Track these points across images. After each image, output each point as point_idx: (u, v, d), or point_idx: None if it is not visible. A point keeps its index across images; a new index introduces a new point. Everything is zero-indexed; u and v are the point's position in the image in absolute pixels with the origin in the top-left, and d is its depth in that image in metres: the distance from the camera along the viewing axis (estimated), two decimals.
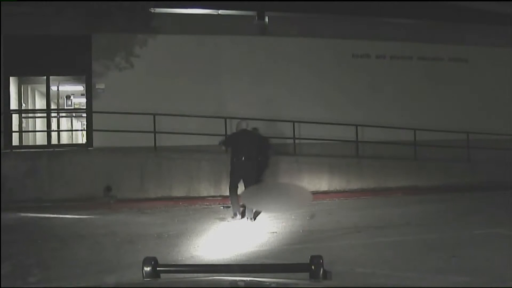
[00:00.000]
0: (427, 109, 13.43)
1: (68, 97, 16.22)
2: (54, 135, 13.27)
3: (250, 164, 8.66)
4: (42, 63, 11.98)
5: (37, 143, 13.40)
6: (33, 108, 14.50)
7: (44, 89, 13.34)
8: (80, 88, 13.96)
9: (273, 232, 7.44)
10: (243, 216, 8.54)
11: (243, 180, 8.58)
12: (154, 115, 11.48)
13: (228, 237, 7.35)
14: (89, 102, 12.38)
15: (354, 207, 9.90)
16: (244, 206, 8.47)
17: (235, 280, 1.74)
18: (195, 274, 1.97)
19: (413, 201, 10.40)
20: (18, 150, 11.56)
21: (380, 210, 9.53)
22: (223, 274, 1.86)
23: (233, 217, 8.67)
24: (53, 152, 11.56)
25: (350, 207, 9.93)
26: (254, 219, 8.37)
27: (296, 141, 12.13)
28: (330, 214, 9.08)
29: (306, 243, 6.62)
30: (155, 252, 5.72)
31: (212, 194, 11.14)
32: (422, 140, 12.68)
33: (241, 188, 8.54)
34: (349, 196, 10.40)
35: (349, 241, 6.79)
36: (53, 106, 13.86)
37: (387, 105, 13.18)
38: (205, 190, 11.21)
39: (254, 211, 8.29)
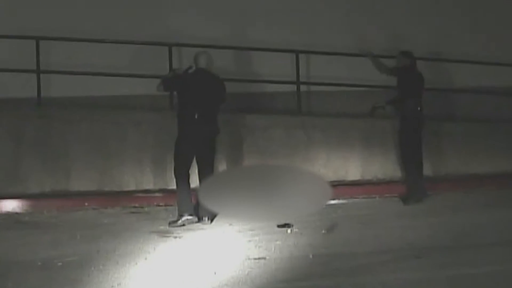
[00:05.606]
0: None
1: None
2: None
3: (208, 130, 6.03)
4: None
5: None
6: None
7: None
8: None
9: (260, 259, 4.59)
10: (199, 217, 5.80)
11: (196, 158, 6.02)
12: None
13: (175, 268, 4.38)
14: None
15: (403, 210, 6.60)
16: (197, 202, 5.64)
17: None
18: None
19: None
20: None
21: (445, 216, 6.19)
22: None
23: (177, 221, 5.75)
24: None
25: (395, 209, 6.65)
26: (212, 220, 5.82)
27: None
28: (362, 223, 5.87)
29: (320, 280, 3.89)
30: None
31: (146, 187, 7.08)
32: None
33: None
34: (392, 191, 7.02)
35: (402, 274, 4.10)
36: None
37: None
38: (133, 180, 7.06)
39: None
